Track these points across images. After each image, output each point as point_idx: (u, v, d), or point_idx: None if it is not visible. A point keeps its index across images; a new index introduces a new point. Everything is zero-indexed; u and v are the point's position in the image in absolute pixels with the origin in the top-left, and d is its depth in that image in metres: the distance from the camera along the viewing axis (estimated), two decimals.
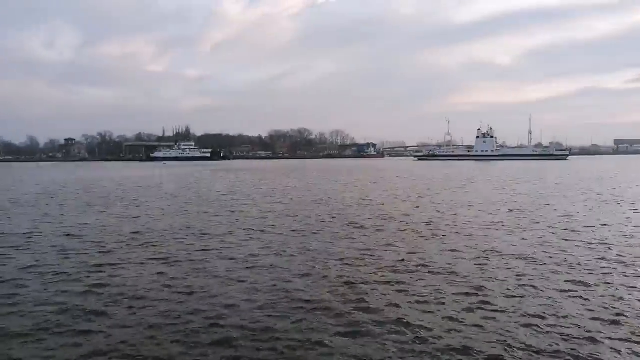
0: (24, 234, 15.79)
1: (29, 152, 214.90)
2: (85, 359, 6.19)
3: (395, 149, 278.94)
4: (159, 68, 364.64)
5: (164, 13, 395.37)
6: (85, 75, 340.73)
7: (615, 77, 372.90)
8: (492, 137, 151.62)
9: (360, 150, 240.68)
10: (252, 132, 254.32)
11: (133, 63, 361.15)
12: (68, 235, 15.48)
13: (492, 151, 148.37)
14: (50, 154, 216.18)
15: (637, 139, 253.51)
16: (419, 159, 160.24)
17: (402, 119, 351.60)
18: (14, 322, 7.48)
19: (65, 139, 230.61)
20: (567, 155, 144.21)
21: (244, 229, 16.40)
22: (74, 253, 12.61)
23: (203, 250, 12.90)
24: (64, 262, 11.60)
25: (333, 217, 19.23)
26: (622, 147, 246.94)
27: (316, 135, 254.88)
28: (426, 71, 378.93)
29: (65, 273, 10.46)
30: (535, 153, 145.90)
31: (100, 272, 10.58)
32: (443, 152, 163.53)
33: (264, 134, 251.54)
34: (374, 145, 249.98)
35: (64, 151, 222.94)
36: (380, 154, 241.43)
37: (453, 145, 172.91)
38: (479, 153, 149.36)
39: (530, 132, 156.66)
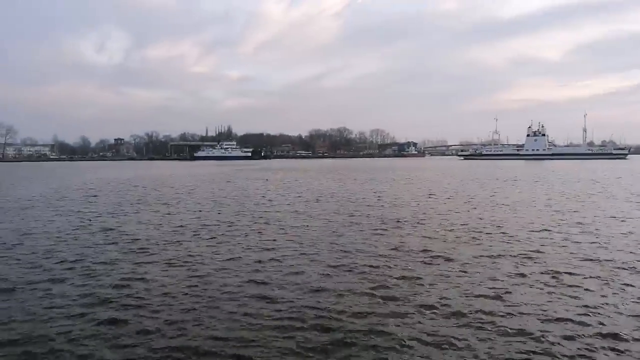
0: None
1: (82, 152, 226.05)
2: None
3: (437, 148, 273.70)
4: (202, 69, 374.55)
5: (208, 15, 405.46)
6: (134, 77, 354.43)
7: None
8: (543, 135, 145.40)
9: (401, 150, 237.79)
10: (292, 131, 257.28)
11: (179, 65, 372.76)
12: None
13: (544, 150, 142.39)
14: (101, 153, 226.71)
15: None
16: (465, 158, 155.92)
17: (443, 117, 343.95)
18: None
19: (115, 139, 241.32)
20: (627, 154, 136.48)
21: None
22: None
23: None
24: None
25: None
26: None
27: (356, 135, 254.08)
28: (469, 68, 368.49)
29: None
30: (590, 152, 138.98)
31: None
32: (490, 150, 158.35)
33: (304, 134, 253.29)
34: (415, 144, 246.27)
35: (114, 150, 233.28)
36: (421, 153, 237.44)
37: (500, 144, 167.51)
38: (530, 152, 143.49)
39: (584, 130, 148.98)
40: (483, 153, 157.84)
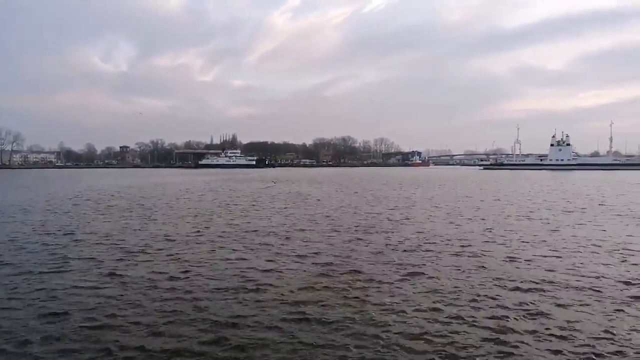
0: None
1: (87, 159, 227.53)
2: None
3: (441, 157, 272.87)
4: (207, 78, 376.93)
5: (214, 25, 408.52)
6: (140, 86, 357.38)
7: None
8: (568, 144, 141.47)
9: (405, 159, 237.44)
10: (297, 140, 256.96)
11: (184, 74, 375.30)
12: None
13: (569, 160, 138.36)
14: (107, 161, 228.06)
15: None
16: (485, 168, 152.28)
17: (447, 126, 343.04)
18: None
19: (120, 147, 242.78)
20: None
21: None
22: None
23: None
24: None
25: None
26: None
27: (360, 143, 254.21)
28: (474, 78, 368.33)
29: None
30: (617, 162, 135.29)
31: None
32: (512, 160, 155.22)
33: (308, 142, 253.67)
34: (419, 154, 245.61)
35: (119, 158, 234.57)
36: (425, 163, 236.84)
37: (504, 154, 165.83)
38: (554, 162, 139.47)
39: (610, 139, 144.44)
40: (505, 163, 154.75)
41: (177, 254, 13.30)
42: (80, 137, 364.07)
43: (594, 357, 6.36)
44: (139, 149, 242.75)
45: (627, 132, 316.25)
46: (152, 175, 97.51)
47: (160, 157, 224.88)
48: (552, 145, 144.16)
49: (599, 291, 9.34)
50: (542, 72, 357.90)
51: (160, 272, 11.04)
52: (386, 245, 14.59)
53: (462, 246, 14.32)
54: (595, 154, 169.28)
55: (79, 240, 15.64)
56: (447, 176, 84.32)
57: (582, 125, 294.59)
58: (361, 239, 15.69)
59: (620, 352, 6.50)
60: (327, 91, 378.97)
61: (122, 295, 9.24)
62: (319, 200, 32.38)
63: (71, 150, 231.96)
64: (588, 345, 6.75)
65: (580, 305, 8.49)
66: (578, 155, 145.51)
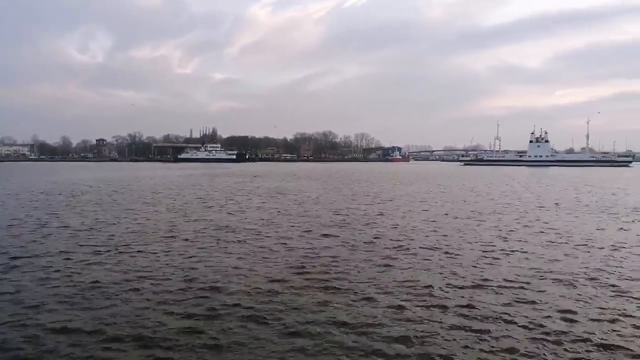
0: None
1: (62, 152, 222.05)
2: None
3: (421, 153, 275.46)
4: (187, 71, 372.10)
5: (194, 17, 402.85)
6: (117, 77, 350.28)
7: None
8: (547, 141, 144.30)
9: (385, 154, 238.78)
10: (278, 134, 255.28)
11: (163, 66, 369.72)
12: None
13: (547, 157, 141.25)
14: (82, 154, 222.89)
15: None
16: (465, 164, 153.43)
17: (427, 122, 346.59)
18: None
19: (97, 140, 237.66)
20: (631, 162, 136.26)
21: None
22: None
23: None
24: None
25: None
26: None
27: (341, 139, 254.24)
28: (454, 75, 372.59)
29: None
30: (594, 159, 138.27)
31: None
32: (492, 156, 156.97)
33: (289, 137, 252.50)
34: (400, 149, 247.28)
35: (95, 151, 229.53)
36: (406, 158, 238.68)
37: (482, 150, 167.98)
38: (532, 158, 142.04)
39: (587, 136, 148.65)
40: (485, 159, 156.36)
41: (146, 250, 12.87)
42: (55, 129, 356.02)
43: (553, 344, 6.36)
44: (116, 142, 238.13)
45: (600, 130, 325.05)
46: (129, 169, 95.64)
47: (138, 150, 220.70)
48: (531, 141, 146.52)
49: (572, 283, 9.38)
50: (520, 70, 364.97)
51: (128, 270, 10.63)
52: (362, 241, 14.44)
53: (439, 243, 14.28)
54: (570, 151, 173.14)
55: (46, 235, 15.05)
56: (428, 172, 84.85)
57: (559, 123, 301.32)
58: (335, 235, 15.51)
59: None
60: (308, 86, 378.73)
61: (76, 294, 8.83)
62: (296, 195, 32.15)
63: (45, 143, 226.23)
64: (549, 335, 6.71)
65: (551, 295, 8.48)
66: (556, 152, 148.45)
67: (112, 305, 8.21)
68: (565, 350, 6.43)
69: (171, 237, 15.12)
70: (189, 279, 9.96)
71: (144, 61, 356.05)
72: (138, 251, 12.80)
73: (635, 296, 8.82)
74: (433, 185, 44.75)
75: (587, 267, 11.09)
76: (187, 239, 14.66)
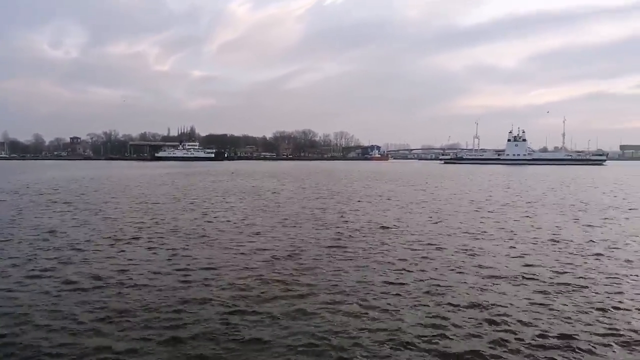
0: None
1: (35, 150, 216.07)
2: None
3: (400, 152, 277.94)
4: (165, 68, 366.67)
5: (172, 13, 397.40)
6: (92, 74, 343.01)
7: (621, 83, 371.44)
8: (524, 140, 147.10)
9: (364, 153, 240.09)
10: (257, 132, 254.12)
11: (140, 63, 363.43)
12: None
13: (524, 155, 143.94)
14: (56, 152, 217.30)
15: None
16: (445, 162, 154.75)
17: (406, 121, 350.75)
18: None
19: (71, 138, 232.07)
20: (604, 160, 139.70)
21: None
22: None
23: None
24: None
25: None
26: (628, 153, 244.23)
27: (320, 137, 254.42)
28: (432, 74, 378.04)
29: None
30: (569, 157, 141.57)
31: None
32: (471, 155, 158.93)
33: (269, 135, 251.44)
34: (378, 148, 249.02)
35: (69, 149, 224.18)
36: (385, 157, 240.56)
37: (459, 149, 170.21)
38: (510, 157, 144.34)
39: (563, 135, 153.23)
40: (464, 157, 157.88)
41: (114, 251, 12.85)
42: (27, 127, 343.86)
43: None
44: (91, 141, 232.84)
45: (572, 129, 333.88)
46: (104, 167, 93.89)
47: (114, 149, 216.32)
48: (509, 140, 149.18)
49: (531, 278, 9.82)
50: (496, 70, 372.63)
51: (94, 273, 10.62)
52: (337, 239, 14.72)
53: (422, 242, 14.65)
54: (544, 150, 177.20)
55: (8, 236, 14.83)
56: (408, 171, 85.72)
57: (534, 122, 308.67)
58: (312, 235, 15.74)
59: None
60: (288, 84, 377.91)
61: (39, 299, 8.83)
62: (273, 194, 32.25)
63: (16, 141, 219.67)
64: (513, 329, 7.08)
65: (514, 286, 8.88)
66: (533, 151, 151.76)
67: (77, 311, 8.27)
68: None
69: (135, 238, 15.03)
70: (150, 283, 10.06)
71: (120, 58, 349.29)
72: (96, 251, 12.79)
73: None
74: (440, 185, 45.39)
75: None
76: (151, 240, 14.68)
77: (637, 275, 10.48)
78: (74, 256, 12.19)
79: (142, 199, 28.06)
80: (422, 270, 10.88)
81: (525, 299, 8.77)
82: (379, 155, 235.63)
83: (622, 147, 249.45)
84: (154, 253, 12.73)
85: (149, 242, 14.30)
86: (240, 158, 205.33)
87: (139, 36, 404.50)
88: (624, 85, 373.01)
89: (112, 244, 13.87)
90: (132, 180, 49.43)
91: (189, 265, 11.35)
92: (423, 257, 12.23)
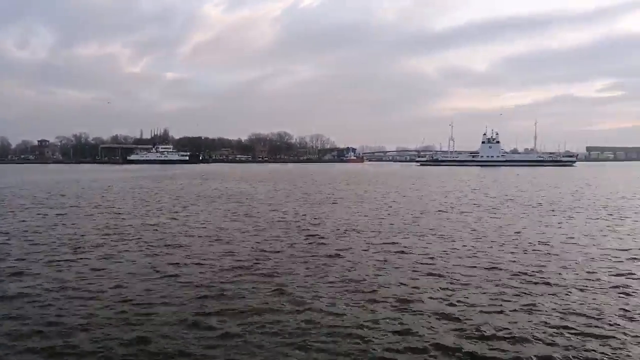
0: None
1: (1, 154, 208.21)
2: None
3: (375, 154, 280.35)
4: (137, 70, 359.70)
5: (144, 14, 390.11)
6: (60, 76, 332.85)
7: (588, 86, 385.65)
8: (497, 142, 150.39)
9: (340, 155, 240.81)
10: (232, 135, 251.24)
11: (111, 64, 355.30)
12: None
13: (498, 157, 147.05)
14: (23, 156, 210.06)
15: (608, 146, 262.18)
16: (422, 164, 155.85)
17: (381, 123, 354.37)
18: None
19: (39, 141, 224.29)
20: (574, 162, 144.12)
21: None
22: None
23: None
24: None
25: None
26: (594, 154, 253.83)
27: (296, 139, 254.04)
28: (406, 77, 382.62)
29: None
30: (541, 159, 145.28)
31: None
32: (447, 157, 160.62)
33: (244, 138, 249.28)
34: (354, 150, 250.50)
35: (37, 153, 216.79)
36: (360, 159, 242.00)
37: (433, 150, 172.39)
38: (485, 158, 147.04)
39: (535, 137, 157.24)
40: (440, 159, 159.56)
41: (74, 258, 12.51)
42: None
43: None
44: (60, 143, 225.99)
45: (542, 131, 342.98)
46: (72, 171, 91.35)
47: (85, 152, 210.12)
48: (483, 142, 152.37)
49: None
50: (469, 74, 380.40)
51: (54, 281, 10.32)
52: (308, 242, 14.73)
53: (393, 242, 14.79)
54: (515, 151, 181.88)
55: None
56: (384, 173, 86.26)
57: (506, 124, 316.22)
58: (280, 237, 15.71)
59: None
60: (263, 86, 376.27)
61: None
62: (247, 198, 32.04)
63: None
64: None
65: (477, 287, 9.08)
66: (506, 153, 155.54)
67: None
68: None
69: (102, 244, 14.71)
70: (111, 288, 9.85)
71: (91, 59, 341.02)
72: (66, 260, 12.45)
73: None
74: (438, 187, 45.76)
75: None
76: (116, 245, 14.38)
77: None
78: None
79: (113, 205, 27.44)
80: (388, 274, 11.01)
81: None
82: (355, 158, 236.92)
83: (589, 149, 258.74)
84: (114, 262, 12.47)
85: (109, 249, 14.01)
86: (215, 161, 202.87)
87: (110, 37, 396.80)
88: (591, 89, 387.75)
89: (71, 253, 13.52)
90: (103, 184, 48.22)
91: (150, 271, 11.17)
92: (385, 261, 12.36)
